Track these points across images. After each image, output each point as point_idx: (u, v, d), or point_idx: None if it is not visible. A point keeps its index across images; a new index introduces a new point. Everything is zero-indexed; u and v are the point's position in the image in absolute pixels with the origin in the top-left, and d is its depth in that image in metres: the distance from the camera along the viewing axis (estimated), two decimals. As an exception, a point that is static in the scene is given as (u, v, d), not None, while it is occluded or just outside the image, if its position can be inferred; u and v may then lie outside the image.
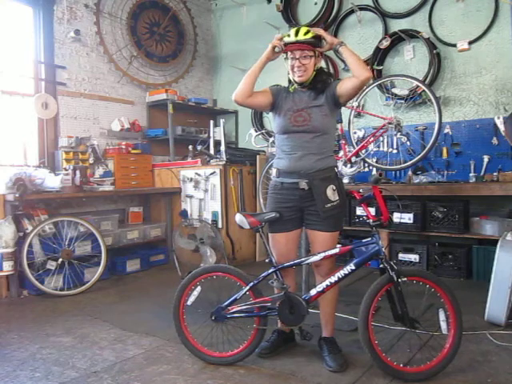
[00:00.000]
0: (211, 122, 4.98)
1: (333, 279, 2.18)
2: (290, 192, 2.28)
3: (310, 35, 2.20)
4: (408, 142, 4.43)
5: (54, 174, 3.94)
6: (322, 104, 2.25)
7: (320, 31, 2.25)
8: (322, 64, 2.48)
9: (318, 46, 2.24)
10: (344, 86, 2.21)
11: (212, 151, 4.78)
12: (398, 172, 4.48)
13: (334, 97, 2.24)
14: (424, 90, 3.84)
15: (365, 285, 2.23)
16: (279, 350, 2.40)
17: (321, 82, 2.27)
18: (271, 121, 2.45)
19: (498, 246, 2.79)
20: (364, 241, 2.23)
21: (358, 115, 4.68)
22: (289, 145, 2.29)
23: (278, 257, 2.33)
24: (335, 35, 4.91)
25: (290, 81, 2.35)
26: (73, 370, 2.25)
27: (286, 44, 2.24)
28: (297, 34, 2.20)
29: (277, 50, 2.23)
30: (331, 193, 2.22)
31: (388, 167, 4.17)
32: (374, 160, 4.31)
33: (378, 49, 4.59)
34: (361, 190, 2.31)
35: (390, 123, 3.41)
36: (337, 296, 2.36)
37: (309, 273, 3.00)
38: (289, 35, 2.24)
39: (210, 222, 4.51)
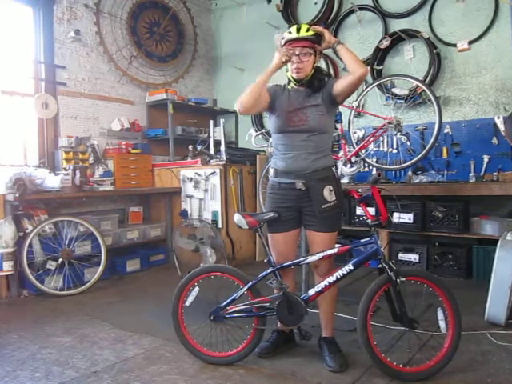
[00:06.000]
0: (211, 121, 4.98)
1: (331, 279, 2.18)
2: (287, 192, 2.28)
3: (310, 32, 2.21)
4: (408, 142, 4.43)
5: (54, 173, 3.95)
6: (319, 103, 2.25)
7: (320, 29, 2.25)
8: (322, 64, 2.50)
9: (318, 43, 2.24)
10: (340, 84, 2.22)
11: (212, 151, 4.78)
12: (398, 172, 4.47)
13: (330, 96, 2.24)
14: (424, 90, 3.83)
15: (365, 284, 2.22)
16: (279, 350, 2.40)
17: (318, 80, 2.27)
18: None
19: (498, 245, 2.79)
20: (362, 241, 2.24)
21: (358, 115, 4.67)
22: (284, 144, 2.29)
23: (277, 257, 2.33)
24: (335, 35, 4.90)
25: (288, 79, 2.34)
26: (73, 370, 2.26)
27: (286, 41, 2.24)
28: (298, 30, 2.20)
29: (284, 59, 2.20)
30: (328, 193, 2.21)
31: (388, 167, 4.16)
32: (374, 160, 4.31)
33: (377, 49, 4.59)
34: (359, 190, 2.31)
35: (389, 123, 3.40)
36: (336, 296, 2.36)
37: (308, 273, 3.00)
38: (290, 32, 2.24)
39: (210, 221, 4.51)
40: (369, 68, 4.60)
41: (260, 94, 2.22)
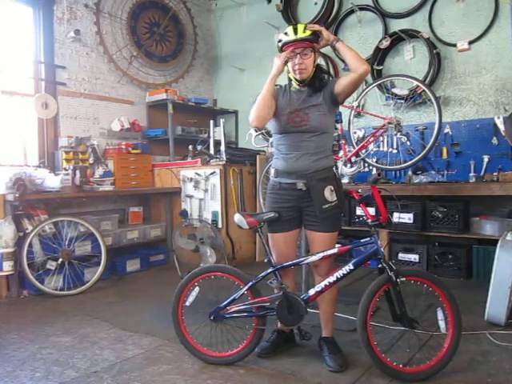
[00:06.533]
0: (211, 121, 4.98)
1: (331, 279, 2.18)
2: (288, 192, 2.28)
3: (308, 32, 2.18)
4: (408, 142, 4.43)
5: (54, 173, 3.95)
6: (320, 103, 2.24)
7: (316, 27, 2.23)
8: (322, 63, 2.49)
9: (316, 42, 2.23)
10: (342, 82, 2.21)
11: (212, 151, 4.78)
12: (398, 172, 4.47)
13: (332, 95, 2.24)
14: (424, 90, 3.83)
15: (365, 284, 2.23)
16: (279, 350, 2.40)
17: (319, 80, 2.27)
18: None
19: (498, 245, 2.79)
20: (362, 241, 2.24)
21: (358, 115, 4.67)
22: (285, 145, 2.28)
23: (278, 257, 2.33)
24: (335, 35, 4.88)
25: (289, 79, 2.33)
26: (73, 369, 2.26)
27: (285, 43, 2.23)
28: (296, 32, 2.18)
29: (287, 59, 2.20)
30: (329, 193, 2.21)
31: (388, 167, 4.17)
32: (374, 160, 4.31)
33: (378, 49, 4.59)
34: (360, 190, 2.31)
35: (389, 123, 3.40)
36: (336, 296, 2.36)
37: (308, 273, 3.00)
38: (286, 33, 2.22)
39: (209, 221, 4.51)
40: (369, 68, 4.60)
41: (271, 102, 2.23)
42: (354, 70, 2.15)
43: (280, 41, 2.25)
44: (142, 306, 3.29)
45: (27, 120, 4.25)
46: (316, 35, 2.21)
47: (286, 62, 2.23)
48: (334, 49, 2.25)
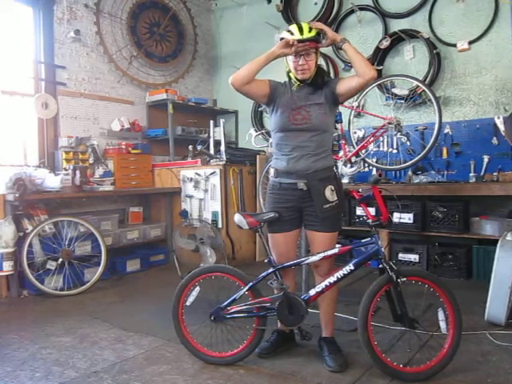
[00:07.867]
0: (211, 121, 4.98)
1: (332, 279, 2.18)
2: (288, 192, 2.27)
3: (313, 32, 2.16)
4: (408, 142, 4.43)
5: (54, 173, 3.95)
6: (321, 102, 2.24)
7: (321, 26, 2.22)
8: (322, 63, 2.48)
9: (320, 42, 2.21)
10: (346, 84, 2.20)
11: (212, 151, 4.78)
12: (397, 172, 4.47)
13: (333, 95, 2.24)
14: (424, 90, 3.83)
15: (365, 285, 2.23)
16: (279, 350, 2.40)
17: (321, 78, 2.26)
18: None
19: (498, 246, 2.79)
20: (363, 241, 2.23)
21: (358, 115, 4.67)
22: (286, 144, 2.27)
23: (278, 257, 2.33)
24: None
25: (289, 78, 2.33)
26: (73, 370, 2.25)
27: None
28: (301, 31, 2.15)
29: (291, 43, 2.13)
30: (330, 193, 2.21)
31: (388, 167, 4.17)
32: (374, 160, 4.31)
33: (378, 49, 4.59)
34: (360, 190, 2.31)
35: (389, 123, 3.41)
36: (336, 296, 2.36)
37: (309, 273, 3.00)
38: (291, 32, 2.19)
39: (210, 221, 4.51)
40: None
41: (256, 72, 2.18)
42: (361, 75, 2.13)
43: (283, 39, 2.20)
44: (142, 306, 3.29)
45: (27, 120, 4.24)
46: (320, 35, 2.20)
47: (284, 55, 2.20)
48: (340, 49, 2.23)
